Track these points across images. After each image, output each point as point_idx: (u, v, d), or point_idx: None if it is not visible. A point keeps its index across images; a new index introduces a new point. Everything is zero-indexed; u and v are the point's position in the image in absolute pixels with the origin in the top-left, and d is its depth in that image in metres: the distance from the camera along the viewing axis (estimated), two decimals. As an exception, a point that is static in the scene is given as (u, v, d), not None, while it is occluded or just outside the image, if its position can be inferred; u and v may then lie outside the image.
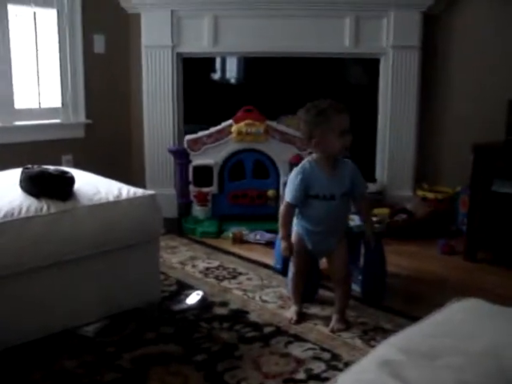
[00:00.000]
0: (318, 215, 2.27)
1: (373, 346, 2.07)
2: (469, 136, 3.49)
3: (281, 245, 2.34)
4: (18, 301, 2.00)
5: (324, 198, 2.24)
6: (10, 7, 3.47)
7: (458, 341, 1.16)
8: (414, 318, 1.43)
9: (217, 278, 2.89)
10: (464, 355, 1.09)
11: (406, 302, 2.59)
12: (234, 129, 3.63)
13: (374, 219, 2.74)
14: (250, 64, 4.16)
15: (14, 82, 3.53)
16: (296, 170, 2.28)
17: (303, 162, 2.30)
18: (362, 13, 3.78)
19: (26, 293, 2.01)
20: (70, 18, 3.72)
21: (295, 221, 2.37)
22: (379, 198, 3.81)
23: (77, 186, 2.19)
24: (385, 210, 3.57)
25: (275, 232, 3.03)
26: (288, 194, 2.27)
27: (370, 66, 3.95)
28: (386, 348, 1.16)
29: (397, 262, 3.06)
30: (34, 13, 3.60)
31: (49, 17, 3.68)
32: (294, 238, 2.37)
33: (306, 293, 2.49)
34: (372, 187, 3.78)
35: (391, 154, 3.94)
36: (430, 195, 3.74)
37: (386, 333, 2.22)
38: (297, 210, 2.33)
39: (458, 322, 1.27)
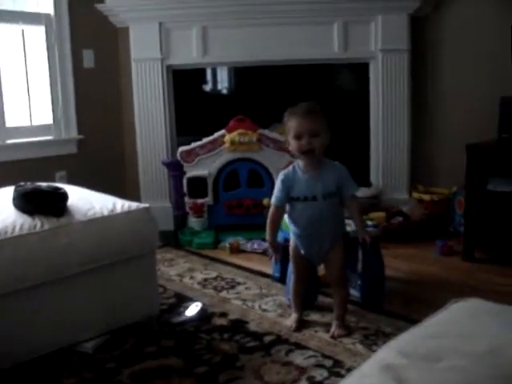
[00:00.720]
0: (302, 218, 2.29)
1: (374, 351, 2.05)
2: (462, 136, 3.49)
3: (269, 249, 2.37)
4: (14, 320, 1.98)
5: (305, 199, 2.25)
6: (-2, 26, 3.47)
7: (460, 342, 1.15)
8: (415, 321, 1.41)
9: (215, 288, 2.87)
10: (466, 356, 1.08)
11: (406, 305, 2.57)
12: (226, 139, 3.62)
13: (370, 223, 2.73)
14: (240, 73, 4.16)
15: (4, 101, 3.52)
16: (280, 173, 2.34)
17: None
18: (350, 18, 3.78)
19: (22, 311, 2.00)
20: (58, 34, 3.71)
21: (290, 229, 2.37)
22: (375, 201, 3.80)
23: (71, 201, 2.18)
24: (381, 214, 3.56)
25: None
26: (273, 197, 2.33)
27: (360, 70, 3.96)
28: (387, 352, 1.15)
29: (395, 266, 3.06)
30: (23, 30, 3.60)
31: (37, 34, 3.67)
32: (290, 246, 2.40)
33: (305, 300, 2.48)
34: (367, 191, 3.77)
35: (385, 157, 3.93)
36: (426, 197, 3.73)
37: (387, 337, 2.21)
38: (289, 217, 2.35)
39: (459, 322, 1.26)
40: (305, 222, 2.28)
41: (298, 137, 2.21)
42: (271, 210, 2.34)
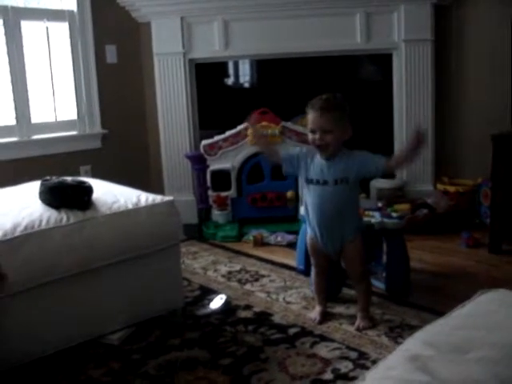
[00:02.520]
0: (313, 202, 2.29)
1: (400, 343, 2.03)
2: (487, 126, 3.44)
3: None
4: (43, 312, 2.01)
5: (317, 182, 2.27)
6: (24, 23, 3.51)
7: (488, 333, 1.13)
8: (441, 313, 1.39)
9: (239, 281, 2.88)
10: (494, 347, 1.06)
11: (432, 297, 2.55)
12: (249, 131, 3.62)
13: (395, 215, 2.70)
14: (263, 66, 4.15)
15: (29, 97, 3.56)
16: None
17: None
18: (372, 8, 3.75)
19: (50, 304, 2.03)
20: (81, 30, 3.75)
21: (306, 219, 2.38)
22: (399, 193, 3.77)
23: (96, 195, 2.20)
24: (405, 206, 3.52)
25: (296, 233, 3.03)
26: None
27: (383, 61, 3.92)
28: (413, 343, 1.14)
29: (420, 258, 3.03)
30: (47, 27, 3.63)
31: (61, 30, 3.71)
32: (308, 239, 2.40)
33: (329, 292, 2.47)
34: (391, 183, 3.74)
35: (409, 148, 3.89)
36: (451, 188, 3.69)
37: (412, 329, 2.18)
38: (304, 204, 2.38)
39: (486, 313, 1.24)
40: (315, 206, 2.28)
41: (312, 131, 2.24)
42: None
